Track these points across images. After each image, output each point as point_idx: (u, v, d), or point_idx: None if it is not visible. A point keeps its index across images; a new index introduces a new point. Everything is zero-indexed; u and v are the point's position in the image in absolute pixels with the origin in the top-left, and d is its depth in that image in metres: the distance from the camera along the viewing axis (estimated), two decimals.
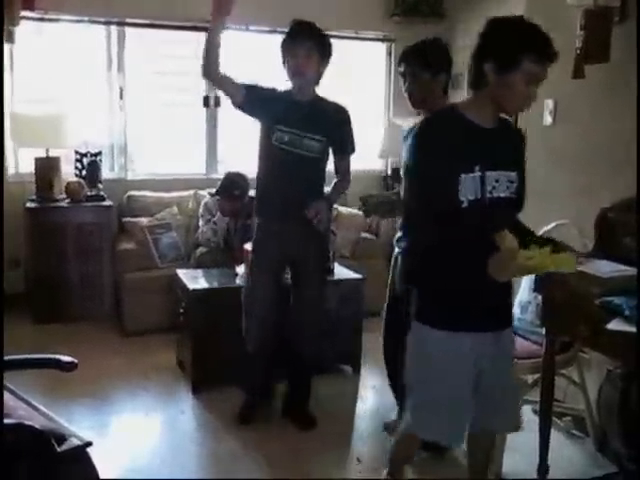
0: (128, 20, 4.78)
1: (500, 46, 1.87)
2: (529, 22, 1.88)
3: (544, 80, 1.89)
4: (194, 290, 3.48)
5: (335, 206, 4.62)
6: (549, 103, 3.48)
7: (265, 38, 4.99)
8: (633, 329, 2.00)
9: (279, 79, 2.93)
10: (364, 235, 4.96)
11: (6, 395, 1.95)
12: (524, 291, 2.94)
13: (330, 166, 3.06)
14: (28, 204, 4.41)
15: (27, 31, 4.54)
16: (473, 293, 1.94)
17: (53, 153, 4.51)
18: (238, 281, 3.46)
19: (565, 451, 2.94)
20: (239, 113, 2.94)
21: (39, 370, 2.14)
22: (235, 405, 3.20)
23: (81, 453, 1.75)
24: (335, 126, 2.95)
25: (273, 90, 2.94)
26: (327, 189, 3.05)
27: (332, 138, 2.94)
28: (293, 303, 3.10)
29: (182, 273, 3.75)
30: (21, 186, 4.52)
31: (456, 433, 2.08)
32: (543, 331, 2.50)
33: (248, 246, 3.18)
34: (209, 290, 3.55)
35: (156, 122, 5.07)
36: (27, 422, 1.65)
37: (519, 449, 2.75)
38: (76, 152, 4.65)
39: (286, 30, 2.88)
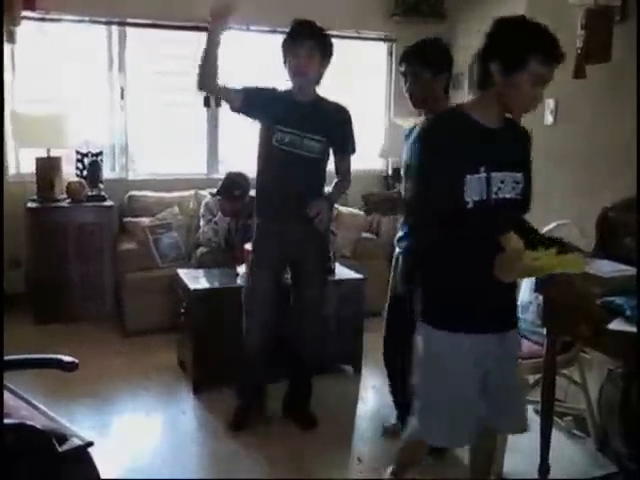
0: (129, 20, 4.79)
1: (507, 46, 1.85)
2: (536, 22, 1.86)
3: (550, 81, 1.88)
4: (195, 290, 3.48)
5: (335, 206, 4.62)
6: (550, 103, 3.48)
7: (266, 38, 4.99)
8: (634, 329, 2.00)
9: (280, 79, 2.92)
10: (365, 235, 4.97)
11: (7, 395, 1.96)
12: (525, 291, 2.94)
13: (330, 166, 3.06)
14: (29, 204, 4.41)
15: (28, 31, 4.54)
16: (478, 294, 1.93)
17: (54, 153, 4.51)
18: (239, 281, 3.46)
19: (566, 451, 2.94)
20: None
21: (40, 370, 2.14)
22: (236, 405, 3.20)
23: (82, 453, 1.75)
24: (336, 126, 2.94)
25: (273, 90, 2.93)
26: (327, 189, 3.05)
27: (333, 138, 2.93)
28: (293, 303, 3.10)
29: (183, 273, 3.75)
30: (22, 186, 4.52)
31: (463, 436, 2.06)
32: (544, 331, 2.50)
33: (249, 246, 3.18)
34: (210, 290, 3.55)
35: (157, 122, 5.07)
36: (28, 422, 1.65)
37: (520, 449, 2.74)
38: (77, 152, 4.65)
39: (287, 30, 2.87)
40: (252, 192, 3.43)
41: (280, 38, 2.90)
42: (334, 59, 2.91)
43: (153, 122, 5.06)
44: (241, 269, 3.47)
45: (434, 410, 2.03)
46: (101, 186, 4.65)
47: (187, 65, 4.81)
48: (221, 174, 4.55)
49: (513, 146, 1.98)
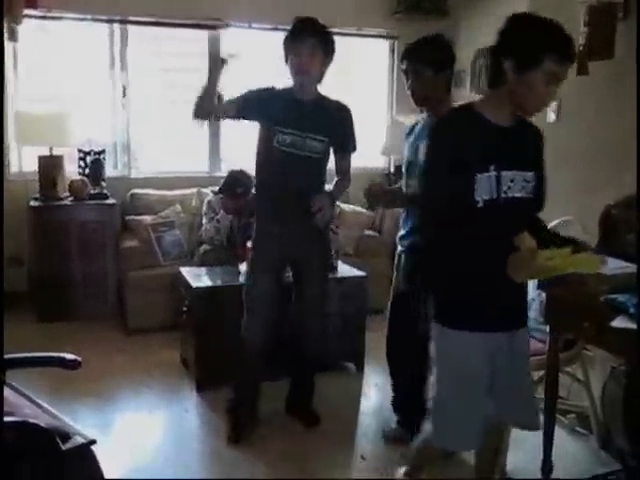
0: (131, 18, 4.79)
1: (521, 44, 1.82)
2: (551, 20, 1.83)
3: (564, 80, 1.86)
4: (197, 288, 3.48)
5: (338, 203, 4.62)
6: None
7: (268, 36, 4.99)
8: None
9: (282, 77, 2.91)
10: (367, 232, 4.96)
11: (11, 393, 1.96)
12: (528, 289, 2.93)
13: (330, 164, 3.04)
14: (32, 202, 4.41)
15: (30, 29, 4.55)
16: (490, 292, 1.92)
17: (56, 151, 4.52)
18: (241, 279, 3.46)
19: (569, 448, 2.93)
20: None
21: (43, 368, 2.14)
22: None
23: (85, 451, 1.76)
24: (337, 125, 2.90)
25: (270, 90, 2.87)
26: (327, 187, 3.03)
27: (334, 137, 2.89)
28: (295, 301, 3.09)
29: (185, 271, 3.75)
30: (25, 184, 4.53)
31: (473, 439, 2.04)
32: (547, 328, 2.49)
33: (251, 244, 3.17)
34: (212, 288, 3.55)
35: (159, 120, 5.08)
36: (32, 420, 1.65)
37: (523, 446, 2.74)
38: (79, 150, 4.66)
39: (289, 28, 2.85)
40: (254, 190, 3.43)
41: (282, 36, 2.87)
42: (336, 56, 2.89)
43: (155, 120, 5.07)
44: (243, 267, 3.46)
45: (447, 412, 2.01)
46: (103, 184, 4.66)
47: (189, 63, 4.84)
48: (223, 172, 4.56)
49: (524, 145, 1.96)
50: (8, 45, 4.44)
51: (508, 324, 2.00)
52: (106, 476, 1.82)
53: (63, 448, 1.67)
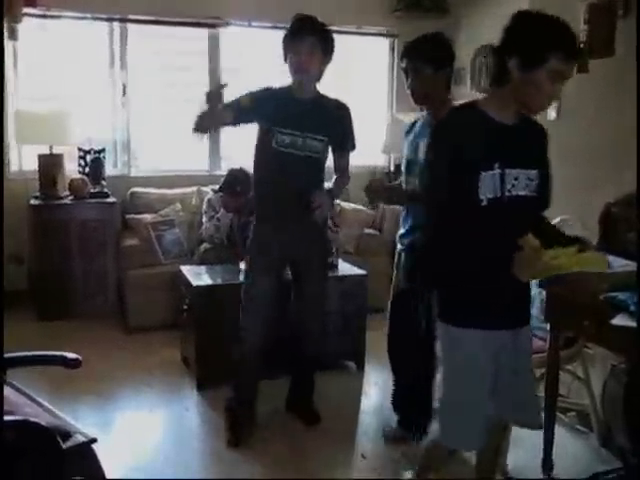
0: (131, 17, 4.78)
1: (526, 42, 1.81)
2: (557, 18, 1.82)
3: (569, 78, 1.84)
4: (198, 286, 3.48)
5: (338, 202, 4.62)
6: None
7: (267, 34, 4.98)
8: None
9: (282, 75, 2.90)
10: (367, 231, 4.96)
11: (11, 392, 1.96)
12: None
13: (328, 162, 3.03)
14: (32, 201, 4.41)
15: (30, 28, 4.55)
16: (494, 290, 1.92)
17: (56, 150, 4.52)
18: (241, 277, 3.45)
19: (569, 446, 2.93)
20: None
21: (44, 367, 2.15)
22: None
23: (86, 449, 1.76)
24: (336, 124, 2.89)
25: (267, 90, 2.83)
26: (326, 184, 3.02)
27: (333, 136, 2.88)
28: (294, 300, 3.09)
29: (186, 269, 3.75)
30: (25, 183, 4.53)
31: (478, 438, 2.03)
32: (547, 326, 2.49)
33: (249, 243, 3.17)
34: (213, 286, 3.55)
35: (159, 118, 5.07)
36: (32, 419, 1.65)
37: (523, 445, 2.74)
38: (79, 149, 4.66)
39: (288, 26, 2.83)
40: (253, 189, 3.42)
41: (281, 34, 2.87)
42: (336, 55, 2.88)
43: (155, 119, 5.07)
44: (243, 265, 3.46)
45: (454, 411, 2.00)
46: (103, 183, 4.66)
47: (189, 61, 4.84)
48: (223, 170, 4.55)
49: (528, 143, 1.96)
50: (8, 44, 4.44)
51: (512, 322, 2.00)
52: (107, 475, 1.82)
53: (64, 447, 1.68)
